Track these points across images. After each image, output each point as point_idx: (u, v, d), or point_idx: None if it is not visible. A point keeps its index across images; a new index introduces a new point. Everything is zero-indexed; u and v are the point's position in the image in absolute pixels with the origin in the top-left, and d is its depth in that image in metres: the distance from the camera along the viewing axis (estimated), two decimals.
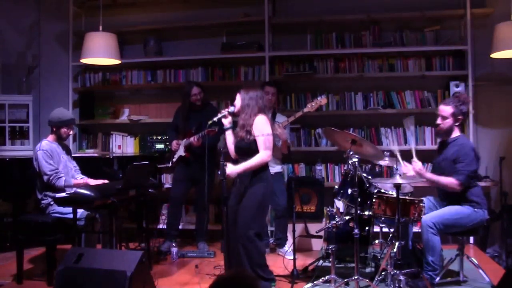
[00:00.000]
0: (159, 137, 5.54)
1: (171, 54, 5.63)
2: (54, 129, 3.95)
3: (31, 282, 3.86)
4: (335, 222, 3.74)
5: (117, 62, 5.07)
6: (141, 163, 4.37)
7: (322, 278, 3.55)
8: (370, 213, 3.66)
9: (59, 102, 5.50)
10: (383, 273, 3.47)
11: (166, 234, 4.78)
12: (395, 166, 3.66)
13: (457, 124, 3.60)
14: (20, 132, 5.52)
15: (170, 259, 4.48)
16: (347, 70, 5.20)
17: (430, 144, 4.98)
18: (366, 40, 5.21)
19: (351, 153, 3.50)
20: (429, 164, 4.60)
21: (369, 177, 3.75)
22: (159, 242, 4.71)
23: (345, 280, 3.41)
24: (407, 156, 3.72)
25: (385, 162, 3.84)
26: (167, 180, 5.47)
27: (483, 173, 4.96)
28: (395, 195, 3.31)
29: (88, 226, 3.89)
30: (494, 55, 4.50)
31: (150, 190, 4.14)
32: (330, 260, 3.54)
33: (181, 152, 4.69)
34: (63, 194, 3.50)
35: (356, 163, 3.39)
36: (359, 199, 3.45)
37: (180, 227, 5.05)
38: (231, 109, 3.49)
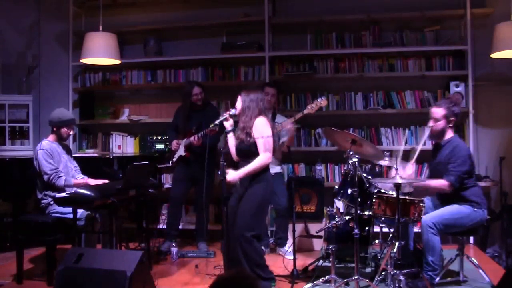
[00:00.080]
0: (159, 137, 5.54)
1: (171, 54, 5.63)
2: (55, 129, 3.95)
3: (31, 282, 3.86)
4: (335, 222, 3.73)
5: (117, 62, 5.07)
6: (141, 163, 4.37)
7: (322, 278, 3.55)
8: (370, 213, 3.66)
9: (59, 102, 5.50)
10: (383, 273, 3.46)
11: (166, 234, 4.78)
12: (394, 166, 3.65)
13: (450, 125, 3.61)
14: (20, 132, 5.52)
15: (170, 259, 4.48)
16: (347, 70, 5.20)
17: (430, 145, 4.96)
18: (366, 40, 5.21)
19: (351, 153, 3.50)
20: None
21: (369, 177, 3.75)
22: (159, 242, 4.71)
23: (345, 280, 3.41)
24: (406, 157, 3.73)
25: (385, 162, 3.84)
26: (167, 180, 5.47)
27: (483, 173, 4.97)
28: (395, 195, 3.31)
29: (88, 226, 3.89)
30: (494, 55, 4.50)
31: (150, 190, 4.14)
32: (330, 260, 3.54)
33: (181, 151, 4.69)
34: (63, 194, 3.50)
35: (356, 163, 3.40)
36: (359, 199, 3.45)
37: (180, 227, 5.05)
38: (232, 111, 3.50)
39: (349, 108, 5.20)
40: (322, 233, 3.99)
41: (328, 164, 5.20)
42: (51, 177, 3.77)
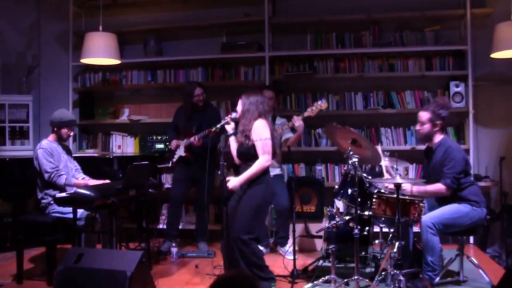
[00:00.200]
0: (159, 137, 5.54)
1: (171, 54, 5.63)
2: (55, 129, 3.96)
3: (31, 282, 3.86)
4: (335, 222, 3.73)
5: (117, 62, 5.07)
6: (141, 163, 4.37)
7: (322, 278, 3.55)
8: (370, 213, 3.66)
9: (59, 102, 5.51)
10: (383, 273, 3.47)
11: (166, 234, 4.78)
12: (395, 166, 3.65)
13: (436, 129, 3.62)
14: (20, 132, 5.52)
15: (170, 259, 4.48)
16: (347, 70, 5.20)
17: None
18: (366, 40, 5.21)
19: (351, 153, 3.50)
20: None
21: (369, 177, 3.75)
22: (159, 242, 4.71)
23: (345, 280, 3.41)
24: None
25: (385, 162, 3.83)
26: (167, 180, 5.47)
27: (483, 173, 4.97)
28: (395, 195, 3.31)
29: (88, 226, 3.89)
30: (494, 55, 4.50)
31: (150, 190, 4.14)
32: (330, 260, 3.54)
33: (181, 152, 4.69)
34: (63, 194, 3.51)
35: (356, 163, 3.40)
36: (359, 199, 3.45)
37: (180, 227, 5.05)
38: (233, 115, 3.50)
39: (349, 108, 5.19)
40: (322, 233, 3.99)
41: (328, 164, 5.20)
42: (52, 175, 3.77)
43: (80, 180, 3.98)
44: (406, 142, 5.06)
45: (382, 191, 3.59)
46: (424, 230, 3.40)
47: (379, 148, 3.81)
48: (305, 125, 5.14)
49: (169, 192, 4.87)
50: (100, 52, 4.85)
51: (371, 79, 5.22)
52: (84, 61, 4.98)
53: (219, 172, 3.29)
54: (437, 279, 3.45)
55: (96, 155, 5.52)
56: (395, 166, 3.62)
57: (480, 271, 3.57)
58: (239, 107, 3.48)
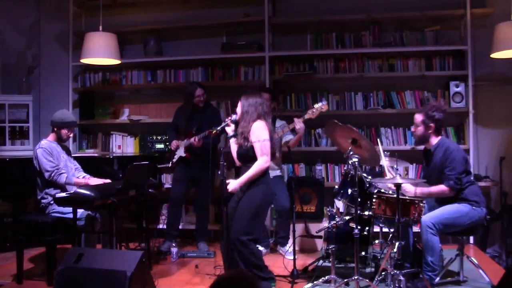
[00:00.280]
0: (159, 137, 5.54)
1: (171, 54, 5.63)
2: (55, 129, 3.96)
3: (31, 282, 3.86)
4: (335, 222, 3.73)
5: (117, 62, 5.07)
6: (141, 163, 4.36)
7: (322, 278, 3.55)
8: (370, 213, 3.66)
9: (59, 102, 5.52)
10: (383, 273, 3.47)
11: (166, 234, 4.78)
12: (395, 166, 3.66)
13: (430, 131, 3.62)
14: (20, 132, 5.52)
15: (170, 259, 4.48)
16: (347, 70, 5.20)
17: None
18: (366, 40, 5.21)
19: (351, 153, 3.50)
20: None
21: (369, 177, 3.75)
22: (159, 242, 4.71)
23: (345, 280, 3.41)
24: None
25: (385, 162, 3.83)
26: (167, 180, 5.46)
27: (483, 173, 4.97)
28: (395, 195, 3.31)
29: (88, 226, 3.89)
30: (494, 55, 4.50)
31: (150, 190, 4.14)
32: (330, 260, 3.54)
33: (181, 152, 4.69)
34: (63, 194, 3.51)
35: (356, 163, 3.40)
36: (359, 199, 3.45)
37: (180, 227, 5.05)
38: (233, 117, 3.51)
39: (349, 108, 5.19)
40: (322, 233, 3.99)
41: (328, 164, 5.20)
42: (52, 174, 3.78)
43: (81, 179, 3.98)
44: (406, 142, 5.06)
45: (383, 191, 3.59)
46: (424, 230, 3.40)
47: (379, 147, 3.81)
48: (305, 125, 5.16)
49: (169, 192, 4.87)
50: (100, 52, 4.85)
51: (371, 79, 5.22)
52: (84, 61, 4.98)
53: (219, 172, 3.29)
54: (437, 279, 3.45)
55: (96, 155, 5.52)
56: (395, 166, 3.62)
57: (480, 271, 3.57)
58: (239, 109, 3.48)
